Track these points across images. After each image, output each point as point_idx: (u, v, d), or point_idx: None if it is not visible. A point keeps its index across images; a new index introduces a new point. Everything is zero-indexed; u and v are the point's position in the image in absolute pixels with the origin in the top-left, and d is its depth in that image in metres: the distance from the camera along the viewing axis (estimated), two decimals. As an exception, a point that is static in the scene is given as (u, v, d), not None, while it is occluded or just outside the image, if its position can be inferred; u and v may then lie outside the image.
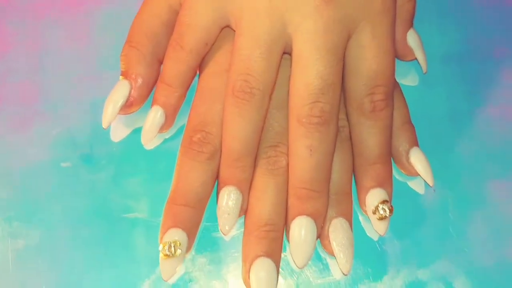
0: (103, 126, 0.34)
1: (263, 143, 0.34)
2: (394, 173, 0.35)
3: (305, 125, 0.32)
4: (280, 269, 0.33)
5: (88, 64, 0.37)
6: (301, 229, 0.32)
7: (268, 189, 0.33)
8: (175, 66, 0.34)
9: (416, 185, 0.36)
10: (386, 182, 0.34)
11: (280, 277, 0.33)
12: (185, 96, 0.35)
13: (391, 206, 0.34)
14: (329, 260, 0.34)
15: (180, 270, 0.33)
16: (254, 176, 0.34)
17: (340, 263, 0.33)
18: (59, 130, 0.36)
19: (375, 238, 0.35)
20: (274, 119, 0.34)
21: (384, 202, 0.33)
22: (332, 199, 0.34)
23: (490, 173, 0.36)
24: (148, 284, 0.33)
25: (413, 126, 0.36)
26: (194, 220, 0.33)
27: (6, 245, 0.34)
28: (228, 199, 0.33)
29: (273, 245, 0.33)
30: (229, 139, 0.33)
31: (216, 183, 0.34)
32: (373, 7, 0.33)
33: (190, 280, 0.33)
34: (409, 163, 0.35)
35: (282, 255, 0.33)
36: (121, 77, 0.35)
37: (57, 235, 0.34)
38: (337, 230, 0.33)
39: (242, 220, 0.34)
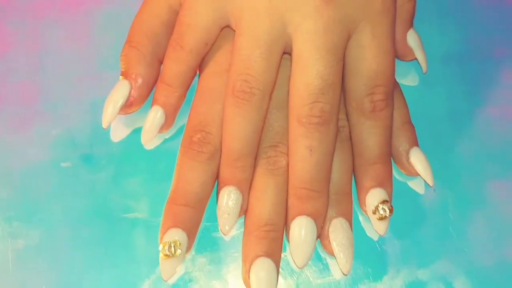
0: (103, 126, 0.34)
1: (263, 143, 0.34)
2: (394, 173, 0.35)
3: (305, 125, 0.32)
4: (280, 269, 0.33)
5: (88, 64, 0.37)
6: (301, 229, 0.32)
7: (268, 189, 0.33)
8: (175, 66, 0.34)
9: (416, 185, 0.36)
10: (386, 182, 0.34)
11: (280, 277, 0.33)
12: (185, 96, 0.35)
13: (391, 206, 0.34)
14: (329, 260, 0.34)
15: (180, 270, 0.33)
16: (254, 176, 0.34)
17: (340, 263, 0.33)
18: (59, 130, 0.36)
19: (375, 238, 0.35)
20: (274, 119, 0.34)
21: (384, 202, 0.33)
22: (332, 199, 0.34)
23: (490, 173, 0.36)
24: (148, 284, 0.33)
25: (413, 126, 0.36)
26: (194, 220, 0.33)
27: (6, 245, 0.34)
28: (228, 199, 0.33)
29: (273, 245, 0.33)
30: (229, 139, 0.33)
31: (216, 183, 0.34)
32: (373, 7, 0.33)
33: (190, 280, 0.33)
34: (409, 163, 0.35)
35: (282, 255, 0.33)
36: (121, 77, 0.35)
37: (57, 235, 0.34)
38: (337, 230, 0.33)
39: (242, 220, 0.34)
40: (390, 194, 0.34)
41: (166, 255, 0.32)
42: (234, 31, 0.34)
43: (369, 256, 0.34)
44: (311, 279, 0.34)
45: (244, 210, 0.34)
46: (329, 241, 0.33)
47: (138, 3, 0.36)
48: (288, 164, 0.33)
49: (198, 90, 0.35)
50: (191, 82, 0.35)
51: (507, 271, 0.34)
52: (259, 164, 0.34)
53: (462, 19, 0.40)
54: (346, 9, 0.32)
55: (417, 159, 0.35)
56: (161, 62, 0.35)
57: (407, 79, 0.38)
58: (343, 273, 0.33)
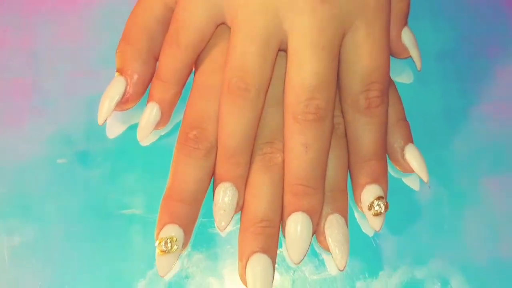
0: (99, 123, 0.34)
1: (259, 140, 0.34)
2: (389, 169, 0.35)
3: (300, 122, 0.32)
4: (276, 265, 0.33)
5: (83, 60, 0.37)
6: (297, 225, 0.32)
7: (264, 185, 0.33)
8: (171, 63, 0.34)
9: (411, 182, 0.36)
10: (381, 178, 0.34)
11: (276, 273, 0.33)
12: (181, 93, 0.35)
13: (386, 202, 0.34)
14: (325, 256, 0.34)
15: (177, 266, 0.33)
16: (250, 172, 0.34)
17: (335, 259, 0.33)
18: (54, 127, 0.36)
19: (371, 234, 0.35)
20: (270, 116, 0.34)
21: (379, 198, 0.34)
22: (328, 195, 0.34)
23: (485, 169, 0.36)
24: (145, 280, 0.33)
25: (408, 123, 0.36)
26: (191, 216, 0.33)
27: (1, 242, 0.34)
28: (224, 195, 0.33)
29: (269, 241, 0.33)
30: (225, 136, 0.33)
31: (212, 179, 0.34)
32: (368, 5, 0.33)
33: (187, 276, 0.33)
34: (404, 160, 0.35)
35: (278, 251, 0.33)
36: (116, 73, 0.35)
37: (53, 232, 0.34)
38: (332, 226, 0.33)
39: (238, 216, 0.34)
40: (385, 191, 0.34)
41: (163, 251, 0.32)
42: (230, 28, 0.34)
43: (364, 252, 0.34)
44: (307, 275, 0.34)
45: (240, 207, 0.34)
46: (325, 237, 0.33)
47: (133, 0, 0.36)
48: (283, 161, 0.33)
49: (194, 87, 0.35)
50: (187, 79, 0.35)
51: (502, 267, 0.34)
52: (255, 161, 0.34)
53: (456, 17, 0.40)
54: (342, 7, 0.32)
55: (412, 156, 0.35)
56: (156, 59, 0.35)
57: (402, 77, 0.38)
58: (339, 269, 0.33)
